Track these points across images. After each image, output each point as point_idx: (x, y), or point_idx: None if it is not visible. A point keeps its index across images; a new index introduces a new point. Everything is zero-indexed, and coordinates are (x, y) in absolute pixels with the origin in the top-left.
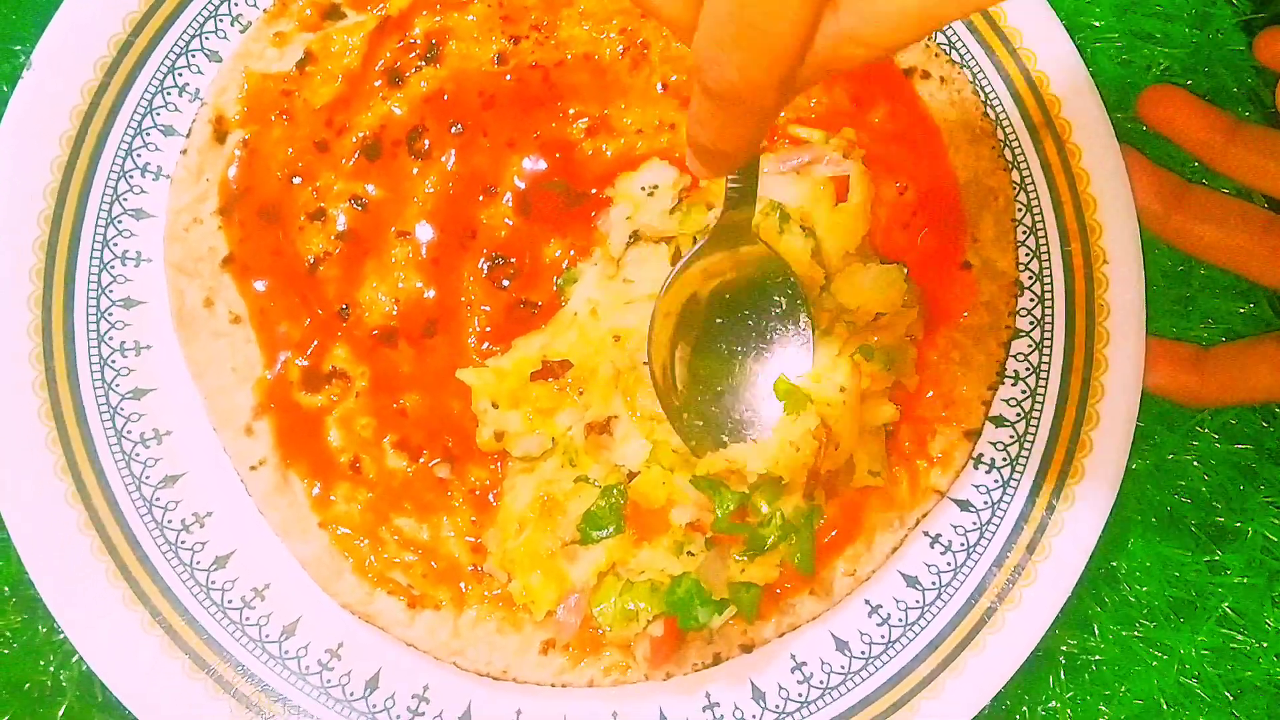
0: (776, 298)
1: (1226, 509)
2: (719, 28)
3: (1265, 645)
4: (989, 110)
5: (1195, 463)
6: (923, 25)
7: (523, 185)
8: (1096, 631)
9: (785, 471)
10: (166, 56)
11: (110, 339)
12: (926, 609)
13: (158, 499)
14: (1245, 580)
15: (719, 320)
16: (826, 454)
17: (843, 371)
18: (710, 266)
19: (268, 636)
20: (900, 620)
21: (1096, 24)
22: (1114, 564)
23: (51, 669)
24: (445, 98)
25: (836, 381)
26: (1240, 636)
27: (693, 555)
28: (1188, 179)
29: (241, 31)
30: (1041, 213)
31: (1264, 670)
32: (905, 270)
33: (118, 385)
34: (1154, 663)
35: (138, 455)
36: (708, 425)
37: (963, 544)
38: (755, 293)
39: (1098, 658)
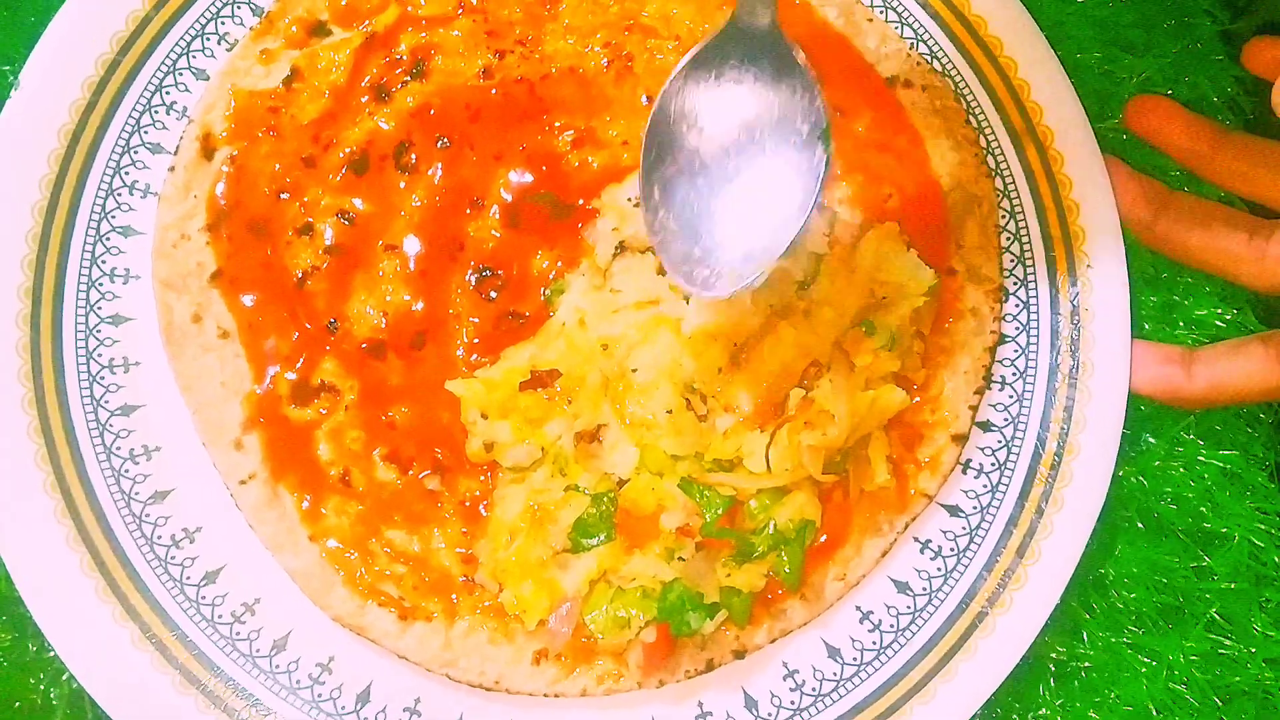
0: (800, 124)
1: (1213, 515)
2: None
3: (1253, 650)
4: (971, 118)
5: (1181, 469)
6: None
7: (510, 198)
8: (1085, 638)
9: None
10: (154, 75)
11: (99, 356)
12: (917, 614)
13: (147, 515)
14: (1232, 585)
15: (728, 137)
16: (820, 426)
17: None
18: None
19: (258, 651)
20: (891, 626)
21: (1077, 34)
22: (1102, 571)
23: (42, 686)
24: (432, 112)
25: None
26: (1228, 642)
27: (683, 560)
28: (1170, 187)
29: (228, 50)
30: (1025, 219)
31: (1252, 675)
32: (939, 279)
33: (107, 402)
34: (1143, 669)
35: (127, 471)
36: (689, 246)
37: (952, 549)
38: (775, 116)
39: (1087, 664)
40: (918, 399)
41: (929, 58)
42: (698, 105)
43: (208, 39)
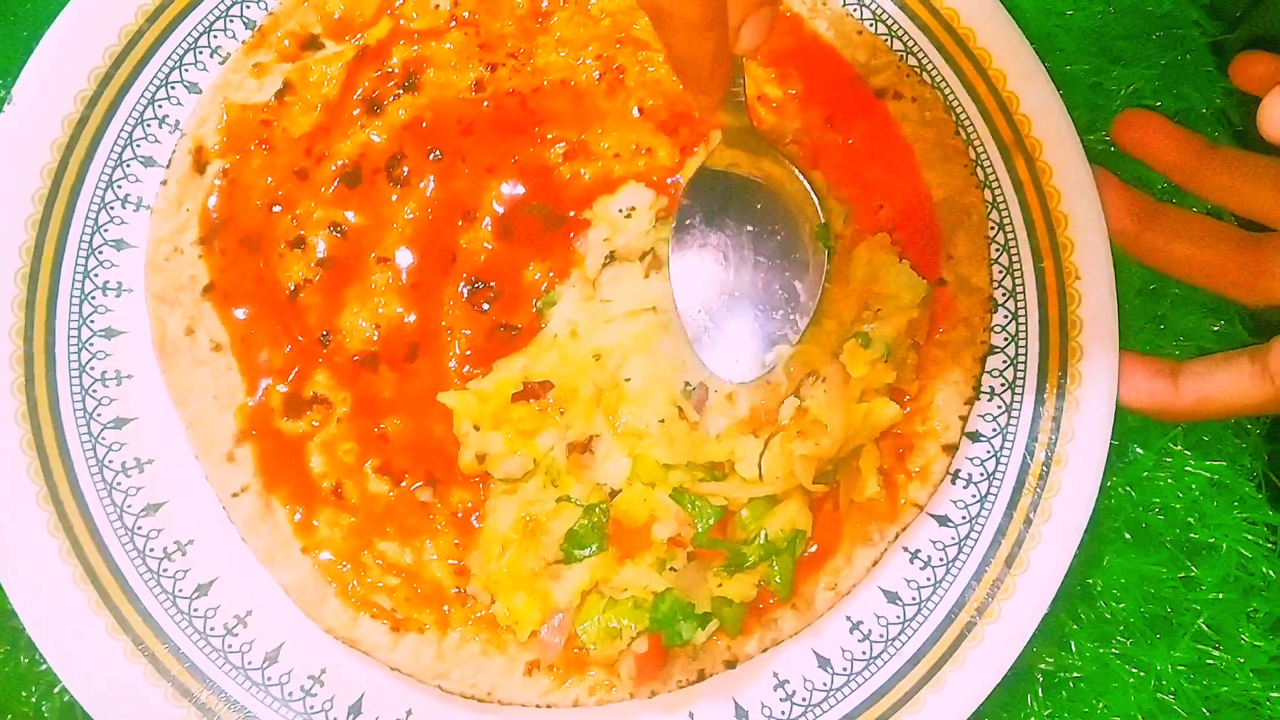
0: (802, 227)
1: (1201, 525)
2: None
3: (1241, 660)
4: (961, 130)
5: (1169, 479)
6: None
7: (502, 210)
8: (1073, 648)
9: (777, 481)
10: (146, 89)
11: (92, 369)
12: (907, 624)
13: (140, 527)
14: (1220, 596)
15: (738, 229)
16: (813, 436)
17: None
18: (731, 179)
19: (250, 663)
20: (881, 636)
21: (1066, 46)
22: (1090, 581)
23: (34, 700)
24: (424, 125)
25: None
26: (1216, 652)
27: (675, 571)
28: (1158, 199)
29: (221, 63)
30: (1014, 230)
31: (1240, 685)
32: (931, 289)
33: (99, 415)
34: (1131, 679)
35: (119, 484)
36: (724, 335)
37: (941, 559)
38: (774, 209)
39: (1075, 675)
40: (908, 409)
41: (918, 70)
42: (709, 228)
43: (200, 52)
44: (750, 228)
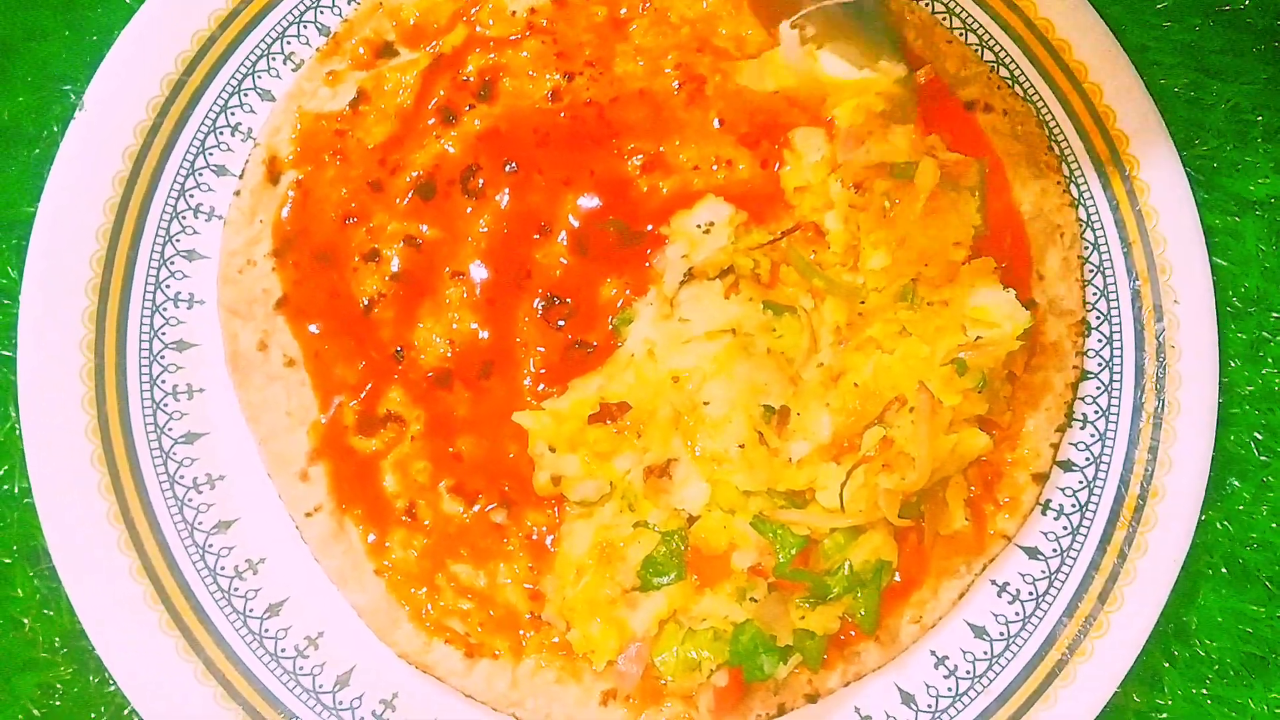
0: None
1: None
2: None
3: None
4: (1054, 145)
5: (1268, 512)
6: None
7: (577, 224)
8: (1166, 688)
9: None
10: (219, 96)
11: (163, 382)
12: (995, 660)
13: (210, 545)
14: None
15: None
16: (899, 469)
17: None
18: None
19: (321, 687)
20: (968, 672)
21: (1162, 60)
22: (1184, 618)
23: None
24: (499, 135)
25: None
26: None
27: (756, 601)
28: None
29: (294, 70)
30: (1109, 250)
31: None
32: (1034, 319)
33: (170, 429)
34: None
35: (190, 501)
36: None
37: (1031, 593)
38: None
39: (1165, 715)
40: (994, 434)
41: (1010, 81)
42: None
43: (273, 59)
44: None
